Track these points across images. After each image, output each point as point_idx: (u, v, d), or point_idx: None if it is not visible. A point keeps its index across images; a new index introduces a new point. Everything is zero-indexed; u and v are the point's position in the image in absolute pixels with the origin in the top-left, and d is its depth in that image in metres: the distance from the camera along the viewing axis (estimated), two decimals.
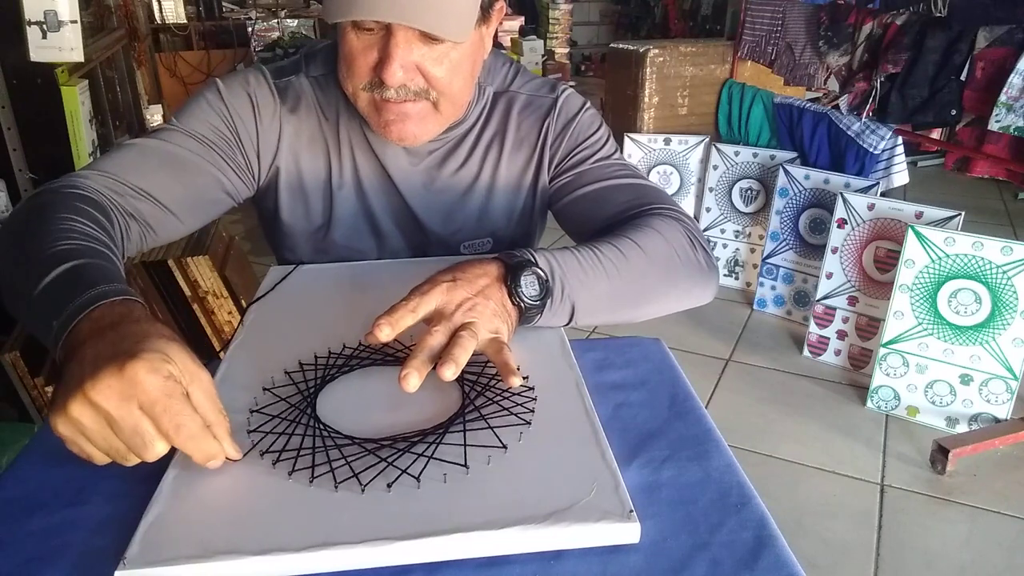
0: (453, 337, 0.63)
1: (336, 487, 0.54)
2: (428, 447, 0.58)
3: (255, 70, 0.91)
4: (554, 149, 0.94)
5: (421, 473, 0.55)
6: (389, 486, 0.54)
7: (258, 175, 0.92)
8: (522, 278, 0.69)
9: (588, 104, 0.97)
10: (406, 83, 0.78)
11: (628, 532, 0.51)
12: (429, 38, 0.76)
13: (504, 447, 0.58)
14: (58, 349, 0.57)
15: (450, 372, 0.59)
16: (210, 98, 0.87)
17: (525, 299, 0.69)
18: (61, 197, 0.74)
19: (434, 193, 0.93)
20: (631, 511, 0.51)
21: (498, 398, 0.64)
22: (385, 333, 0.62)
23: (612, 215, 0.89)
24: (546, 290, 0.71)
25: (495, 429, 0.60)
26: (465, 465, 0.56)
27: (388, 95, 0.79)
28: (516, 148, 0.94)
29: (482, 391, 0.65)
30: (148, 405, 0.51)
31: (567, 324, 0.75)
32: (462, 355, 0.61)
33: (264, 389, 0.66)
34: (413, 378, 0.59)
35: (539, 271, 0.70)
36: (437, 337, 0.63)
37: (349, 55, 0.79)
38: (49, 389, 1.72)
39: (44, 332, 0.60)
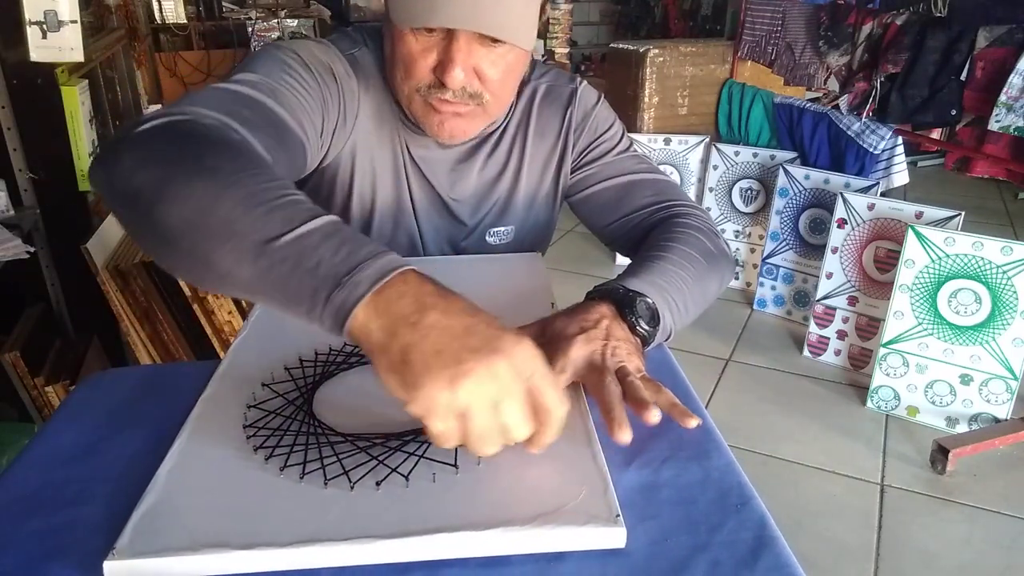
0: (625, 383, 0.62)
1: (326, 484, 0.54)
2: (420, 446, 0.58)
3: (317, 41, 0.85)
4: (576, 138, 0.97)
5: (411, 472, 0.55)
6: (378, 484, 0.54)
7: (326, 153, 0.84)
8: (637, 310, 0.70)
9: (602, 96, 1.00)
10: (465, 85, 0.79)
11: (614, 537, 0.50)
12: (489, 41, 0.77)
13: None
14: (356, 308, 0.49)
15: (656, 415, 0.59)
16: (285, 58, 0.77)
17: (646, 329, 0.70)
18: (229, 136, 0.62)
19: (464, 187, 0.95)
20: (618, 516, 0.51)
21: None
22: None
23: (634, 209, 0.94)
24: (655, 316, 0.72)
25: None
26: (455, 465, 0.56)
27: (444, 96, 0.80)
28: (540, 137, 0.97)
29: None
30: (542, 377, 0.50)
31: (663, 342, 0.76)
32: (645, 392, 0.61)
33: (263, 384, 0.66)
34: (629, 431, 0.57)
35: (647, 300, 0.72)
36: (613, 386, 0.62)
37: (407, 57, 0.79)
38: (49, 389, 1.72)
39: (297, 282, 0.51)
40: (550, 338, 0.68)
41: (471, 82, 0.80)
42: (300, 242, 0.51)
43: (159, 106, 3.12)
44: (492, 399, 0.48)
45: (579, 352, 0.65)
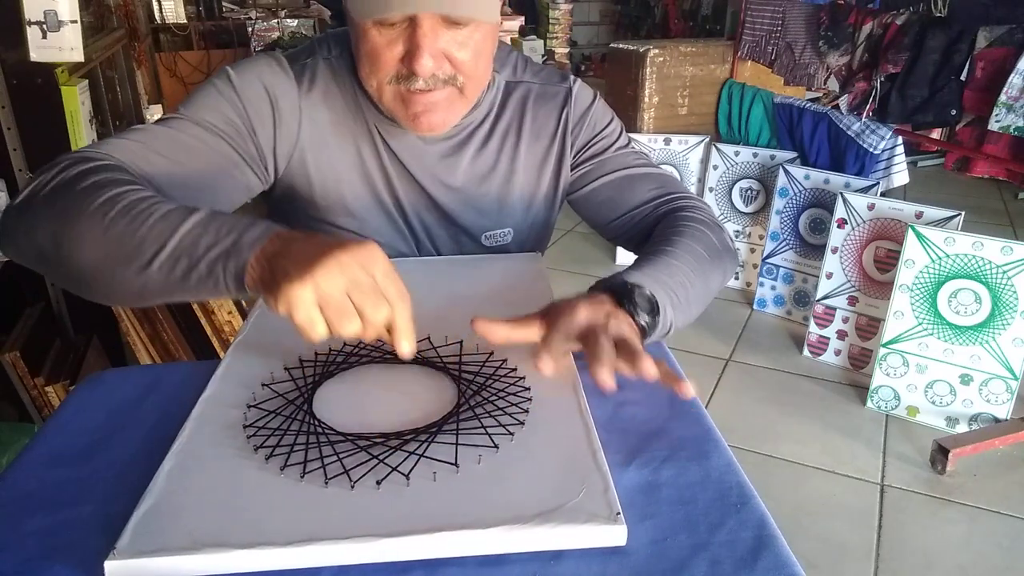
0: (620, 344, 0.64)
1: (326, 483, 0.54)
2: (420, 445, 0.58)
3: (268, 56, 0.88)
4: (574, 138, 0.96)
5: (411, 471, 0.55)
6: (379, 483, 0.54)
7: (275, 167, 0.87)
8: (636, 299, 0.70)
9: (598, 94, 1.00)
10: (435, 72, 0.78)
11: (615, 535, 0.51)
12: (453, 23, 0.76)
13: (495, 447, 0.58)
14: (248, 257, 0.60)
15: (652, 368, 0.61)
16: (220, 87, 0.83)
17: (646, 320, 0.70)
18: (114, 170, 0.70)
19: (451, 183, 0.93)
20: (618, 514, 0.51)
21: (493, 397, 0.65)
22: (549, 365, 0.65)
23: (636, 204, 0.94)
24: (655, 308, 0.72)
25: (488, 428, 0.60)
26: (455, 464, 0.56)
27: (417, 85, 0.79)
28: (535, 138, 0.95)
29: (478, 390, 0.66)
30: (384, 273, 0.59)
31: (663, 338, 0.76)
32: (638, 348, 0.64)
33: (263, 385, 0.66)
34: (613, 378, 0.61)
35: (646, 291, 0.72)
36: (605, 342, 0.63)
37: (373, 51, 0.78)
38: (49, 389, 1.72)
39: (197, 269, 0.61)
40: (555, 311, 0.69)
41: (442, 67, 0.78)
42: (186, 238, 0.62)
43: (159, 106, 3.12)
44: (342, 287, 0.57)
45: (583, 314, 0.67)
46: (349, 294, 0.57)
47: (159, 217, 0.63)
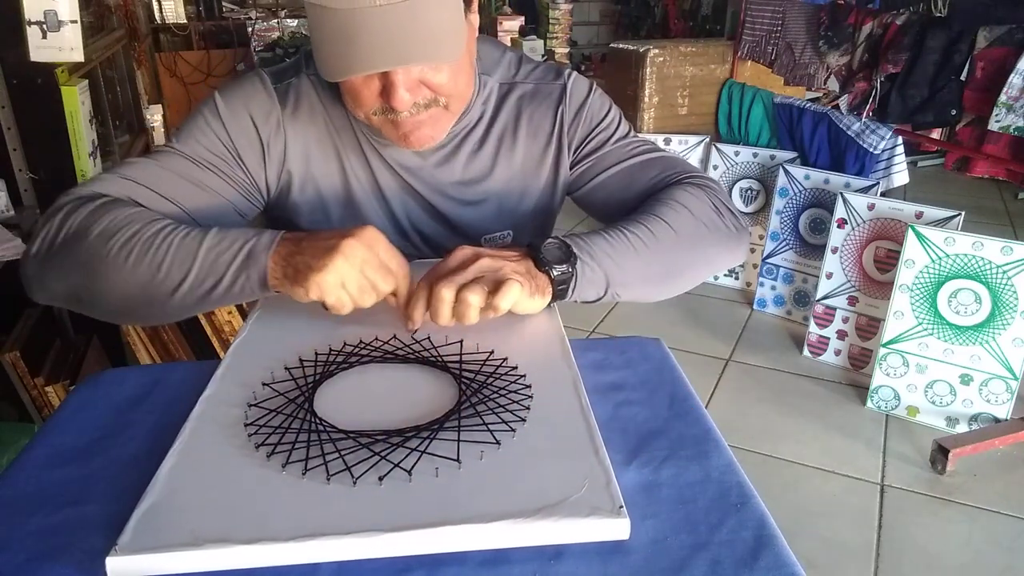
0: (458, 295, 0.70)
1: (328, 479, 0.54)
2: (422, 442, 0.58)
3: (253, 77, 0.90)
4: (571, 135, 0.95)
5: (413, 467, 0.55)
6: (381, 479, 0.54)
7: (266, 189, 0.90)
8: (543, 245, 0.75)
9: (595, 85, 0.98)
10: (416, 100, 0.79)
11: (618, 528, 0.51)
12: None
13: (497, 443, 0.58)
14: (265, 261, 0.70)
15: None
16: (209, 118, 0.86)
17: (551, 263, 0.73)
18: (120, 205, 0.77)
19: (448, 189, 0.93)
20: (621, 507, 0.51)
21: (495, 395, 0.65)
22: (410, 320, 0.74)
23: (642, 192, 0.92)
24: (570, 254, 0.75)
25: (490, 425, 0.60)
26: (458, 460, 0.56)
27: (400, 116, 0.80)
28: (531, 138, 0.94)
29: (479, 388, 0.66)
30: (385, 249, 0.70)
31: (604, 297, 0.78)
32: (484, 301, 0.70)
33: (263, 384, 0.66)
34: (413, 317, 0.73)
35: (560, 240, 0.76)
36: (428, 290, 0.71)
37: (352, 90, 0.79)
38: (49, 389, 1.72)
39: (222, 284, 0.71)
40: (454, 252, 0.76)
41: (420, 94, 0.79)
42: (207, 261, 0.71)
43: (159, 106, 3.12)
44: (356, 267, 0.68)
45: (458, 259, 0.73)
46: (362, 271, 0.68)
47: (176, 247, 0.71)
